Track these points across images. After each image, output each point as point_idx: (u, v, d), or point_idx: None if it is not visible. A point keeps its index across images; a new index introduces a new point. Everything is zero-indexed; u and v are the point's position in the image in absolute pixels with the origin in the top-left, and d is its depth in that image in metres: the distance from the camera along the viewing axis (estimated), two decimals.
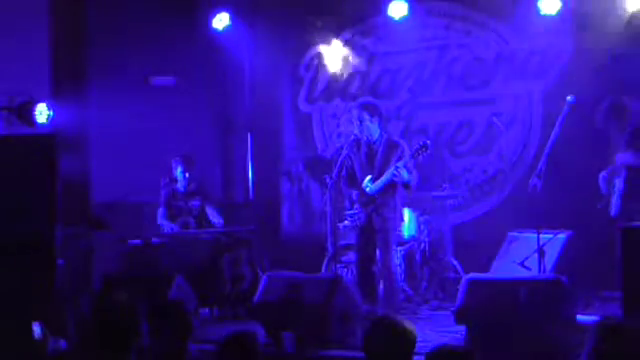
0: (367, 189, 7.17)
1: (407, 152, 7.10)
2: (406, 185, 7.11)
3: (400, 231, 7.81)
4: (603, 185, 7.39)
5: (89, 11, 9.28)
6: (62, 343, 4.39)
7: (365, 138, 7.23)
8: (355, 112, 7.27)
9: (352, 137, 7.38)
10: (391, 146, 7.19)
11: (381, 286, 7.46)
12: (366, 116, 7.19)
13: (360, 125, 7.19)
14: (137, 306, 3.60)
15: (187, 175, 8.53)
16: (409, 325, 3.85)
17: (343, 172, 7.38)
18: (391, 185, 7.13)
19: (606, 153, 7.54)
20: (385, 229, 7.17)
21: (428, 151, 7.03)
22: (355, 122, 7.24)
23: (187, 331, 4.23)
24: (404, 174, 6.98)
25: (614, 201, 7.29)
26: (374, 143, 7.24)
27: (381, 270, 7.31)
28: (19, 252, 7.28)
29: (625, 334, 3.50)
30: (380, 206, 7.14)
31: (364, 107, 7.28)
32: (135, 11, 9.41)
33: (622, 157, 7.27)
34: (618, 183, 7.19)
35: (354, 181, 7.33)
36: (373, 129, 7.22)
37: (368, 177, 7.20)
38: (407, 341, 3.80)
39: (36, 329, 4.42)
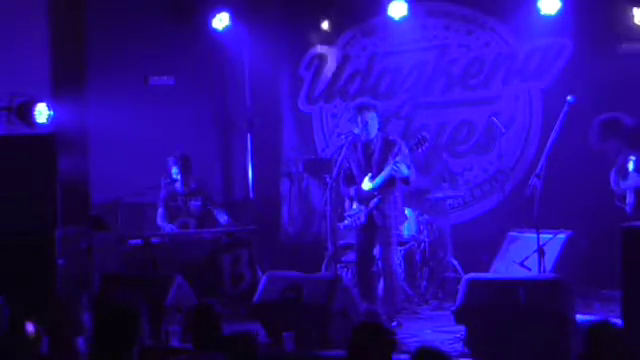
0: (367, 188, 7.17)
1: (404, 149, 7.10)
2: (405, 180, 7.12)
3: (401, 230, 7.80)
4: (615, 187, 7.31)
5: (89, 11, 9.27)
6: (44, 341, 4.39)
7: (364, 138, 7.24)
8: (361, 113, 7.24)
9: (349, 137, 7.39)
10: (388, 144, 7.20)
11: (381, 284, 7.46)
12: (373, 115, 7.20)
13: (366, 125, 7.19)
14: (139, 306, 3.60)
15: (182, 176, 8.50)
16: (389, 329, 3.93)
17: (342, 172, 7.40)
18: (391, 182, 7.13)
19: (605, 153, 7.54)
20: (386, 227, 7.16)
21: (427, 143, 7.03)
22: (360, 123, 7.21)
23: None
24: (403, 169, 7.00)
25: (628, 207, 7.20)
26: (371, 142, 7.25)
27: (382, 268, 7.32)
28: (19, 252, 7.29)
29: (614, 337, 3.50)
30: (380, 203, 7.14)
31: (369, 108, 7.28)
32: (135, 11, 9.41)
33: (631, 184, 7.11)
34: (629, 197, 7.10)
35: (352, 181, 7.34)
36: (374, 128, 7.23)
37: (368, 175, 7.21)
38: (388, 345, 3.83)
39: (29, 328, 4.41)
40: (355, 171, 7.32)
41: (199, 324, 4.44)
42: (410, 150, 7.03)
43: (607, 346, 3.45)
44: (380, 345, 3.82)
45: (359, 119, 7.23)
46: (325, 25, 9.70)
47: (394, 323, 7.10)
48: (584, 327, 3.60)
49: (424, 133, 7.14)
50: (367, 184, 7.18)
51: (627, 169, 7.00)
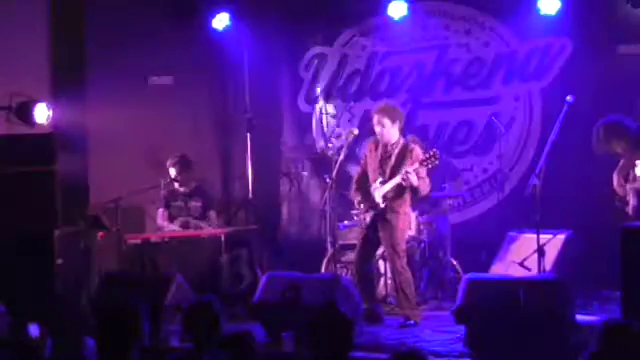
0: (376, 192, 7.16)
1: (420, 159, 7.06)
2: (414, 190, 7.09)
3: (408, 236, 7.69)
4: (617, 187, 7.30)
5: (89, 11, 9.27)
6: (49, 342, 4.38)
7: (381, 141, 7.24)
8: (376, 117, 7.25)
9: (350, 137, 7.38)
10: (405, 150, 7.17)
11: (382, 284, 7.46)
12: (387, 122, 7.18)
13: (381, 129, 7.18)
14: (139, 306, 3.61)
15: (182, 176, 8.50)
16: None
17: (359, 170, 7.39)
18: (399, 190, 7.10)
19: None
20: (388, 231, 7.14)
21: (437, 161, 6.98)
22: (376, 126, 7.21)
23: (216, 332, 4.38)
24: (413, 178, 6.96)
25: (631, 209, 7.17)
26: (390, 146, 7.24)
27: (391, 271, 7.31)
28: (19, 252, 7.29)
29: (629, 335, 3.50)
30: (385, 210, 7.13)
31: (385, 113, 7.26)
32: (134, 11, 9.40)
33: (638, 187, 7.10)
34: (632, 199, 7.08)
35: (365, 183, 7.33)
36: (393, 133, 7.21)
37: (379, 180, 7.20)
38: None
39: (34, 329, 4.41)
40: (370, 172, 7.31)
41: (197, 321, 4.44)
42: (420, 164, 7.00)
43: (625, 346, 3.43)
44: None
45: (375, 120, 7.23)
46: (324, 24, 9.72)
47: (411, 322, 7.08)
48: (599, 326, 3.58)
49: (435, 150, 7.08)
50: (377, 188, 7.17)
51: (634, 173, 6.97)
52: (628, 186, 7.01)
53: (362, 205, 7.28)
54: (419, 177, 7.02)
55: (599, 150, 7.28)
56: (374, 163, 7.29)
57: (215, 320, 4.39)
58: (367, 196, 7.24)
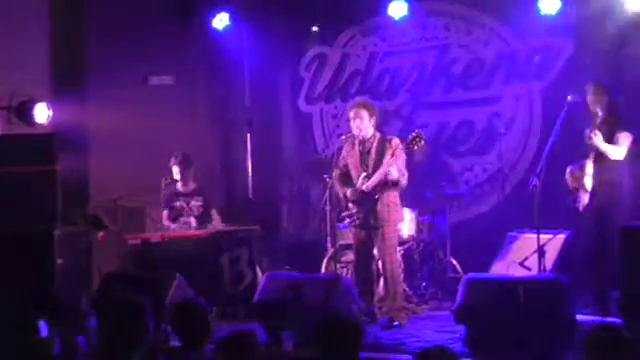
0: (363, 187, 7.16)
1: (400, 151, 7.06)
2: (395, 183, 7.08)
3: (399, 229, 7.76)
4: (568, 177, 7.29)
5: (88, 11, 9.28)
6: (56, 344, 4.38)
7: (361, 137, 7.24)
8: (353, 111, 7.27)
9: (348, 136, 7.39)
10: (384, 142, 7.19)
11: (381, 284, 7.45)
12: (365, 115, 7.20)
13: (360, 122, 7.20)
14: (143, 305, 3.60)
15: (184, 174, 8.50)
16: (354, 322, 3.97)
17: (337, 171, 7.40)
18: (385, 182, 7.11)
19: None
20: (381, 226, 7.14)
21: (423, 141, 6.98)
22: (353, 121, 7.24)
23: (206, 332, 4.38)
24: (393, 172, 6.97)
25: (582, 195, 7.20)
26: (367, 141, 7.25)
27: (383, 268, 7.29)
28: (19, 251, 7.29)
29: (618, 343, 3.50)
30: (375, 204, 7.13)
31: (362, 106, 7.28)
32: (134, 11, 9.40)
33: None
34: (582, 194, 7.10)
35: (348, 180, 7.33)
36: (370, 127, 7.23)
37: (363, 174, 7.20)
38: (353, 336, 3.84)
39: (43, 328, 4.41)
40: (352, 169, 7.32)
41: (183, 322, 4.46)
42: (406, 148, 7.01)
43: (607, 351, 3.43)
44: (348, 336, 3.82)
45: (351, 115, 7.26)
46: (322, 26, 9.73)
47: (395, 323, 7.08)
48: (585, 331, 3.58)
49: (418, 130, 7.09)
50: (362, 184, 7.17)
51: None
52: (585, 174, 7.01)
53: (353, 200, 7.25)
54: (399, 171, 7.02)
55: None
56: (355, 160, 7.29)
57: (204, 321, 4.40)
58: (355, 192, 7.23)
